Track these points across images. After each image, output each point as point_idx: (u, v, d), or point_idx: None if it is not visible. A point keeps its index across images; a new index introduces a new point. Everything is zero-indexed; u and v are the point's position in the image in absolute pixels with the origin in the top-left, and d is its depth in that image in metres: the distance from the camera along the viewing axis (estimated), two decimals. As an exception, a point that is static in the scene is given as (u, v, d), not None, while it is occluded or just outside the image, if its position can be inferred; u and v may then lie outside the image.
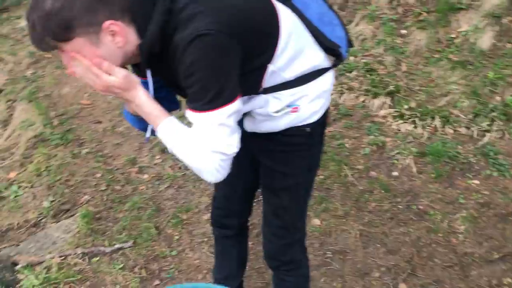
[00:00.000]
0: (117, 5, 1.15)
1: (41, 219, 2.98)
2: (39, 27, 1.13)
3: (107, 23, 1.14)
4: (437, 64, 3.77)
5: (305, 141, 1.53)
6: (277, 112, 1.42)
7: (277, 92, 1.40)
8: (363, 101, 3.58)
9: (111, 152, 3.55)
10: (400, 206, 2.83)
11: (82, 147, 3.59)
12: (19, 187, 3.24)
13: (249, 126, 1.51)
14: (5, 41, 5.07)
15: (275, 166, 1.58)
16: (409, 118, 3.36)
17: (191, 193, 3.06)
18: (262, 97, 1.40)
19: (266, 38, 1.30)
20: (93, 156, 3.48)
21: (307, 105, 1.44)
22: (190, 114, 1.25)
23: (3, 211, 3.10)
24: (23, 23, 5.40)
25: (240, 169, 1.72)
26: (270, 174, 1.61)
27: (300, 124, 1.48)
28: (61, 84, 4.37)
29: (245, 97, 1.39)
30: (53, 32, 1.13)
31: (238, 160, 1.70)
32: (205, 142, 1.25)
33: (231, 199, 1.86)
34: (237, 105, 1.24)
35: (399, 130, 3.34)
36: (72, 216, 2.93)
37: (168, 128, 1.28)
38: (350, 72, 3.78)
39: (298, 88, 1.41)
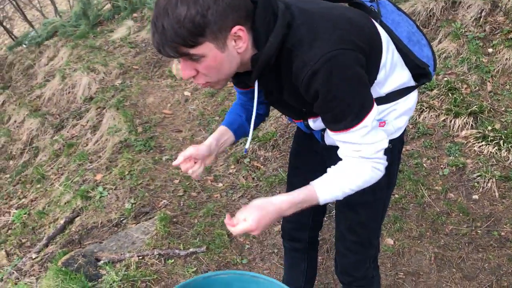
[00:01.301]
0: (244, 11, 1.17)
1: (123, 219, 3.17)
2: (171, 33, 1.11)
3: (235, 28, 1.16)
4: (526, 84, 3.58)
5: (388, 157, 1.54)
6: None
7: None
8: (444, 121, 3.47)
9: (189, 160, 3.70)
10: (479, 231, 2.70)
11: (162, 154, 3.78)
12: (104, 188, 3.47)
13: (331, 139, 1.52)
14: (99, 52, 5.47)
15: None
16: (493, 140, 3.21)
17: (263, 204, 3.11)
18: None
19: (376, 53, 1.32)
20: (172, 163, 3.65)
21: (393, 121, 1.46)
22: (338, 135, 1.29)
23: (89, 210, 3.34)
24: (115, 36, 5.80)
25: (312, 178, 1.75)
26: None
27: None
28: (146, 94, 4.63)
29: None
30: (184, 38, 1.11)
31: (310, 174, 1.73)
32: (364, 151, 1.29)
33: (303, 212, 1.87)
34: (376, 106, 1.28)
35: (482, 152, 3.20)
36: (150, 218, 3.08)
37: (324, 189, 1.33)
38: (431, 90, 3.68)
39: (390, 104, 1.43)
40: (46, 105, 5.10)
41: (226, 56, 1.19)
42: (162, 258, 2.72)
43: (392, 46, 1.40)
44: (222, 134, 1.55)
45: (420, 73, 1.49)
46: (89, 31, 6.09)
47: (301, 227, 1.92)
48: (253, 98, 1.42)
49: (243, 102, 1.62)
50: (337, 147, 1.54)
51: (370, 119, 1.25)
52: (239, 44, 1.19)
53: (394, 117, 1.46)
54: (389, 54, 1.37)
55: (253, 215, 1.24)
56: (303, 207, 1.33)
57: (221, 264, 2.69)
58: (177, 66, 4.88)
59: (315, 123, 1.47)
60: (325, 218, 2.03)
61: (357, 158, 1.31)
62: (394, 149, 1.53)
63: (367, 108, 1.25)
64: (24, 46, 6.66)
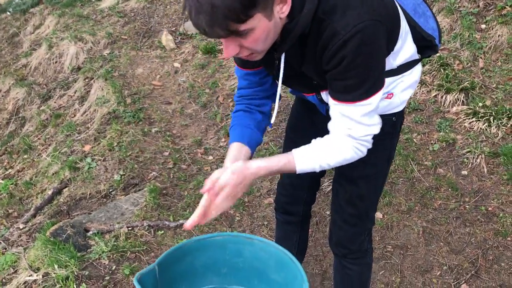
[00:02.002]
0: None
1: (112, 191, 3.15)
2: (222, 10, 1.02)
3: None
4: (517, 61, 3.58)
5: (390, 130, 1.53)
6: None
7: None
8: (435, 96, 3.47)
9: (179, 133, 3.68)
10: (467, 206, 2.74)
11: (152, 126, 3.74)
12: (93, 159, 3.43)
13: None
14: (86, 21, 5.34)
15: None
16: (483, 116, 3.22)
17: (253, 177, 3.11)
18: None
19: (396, 23, 1.31)
20: (162, 135, 3.62)
21: (400, 93, 1.46)
22: (340, 106, 1.26)
23: (77, 181, 3.30)
24: (103, 5, 5.66)
25: None
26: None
27: (388, 113, 1.49)
28: (135, 64, 4.55)
29: None
30: (237, 14, 1.04)
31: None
32: (355, 130, 1.28)
33: (298, 187, 1.86)
34: (383, 90, 1.28)
35: (472, 128, 3.21)
36: (140, 190, 3.07)
37: (303, 160, 1.31)
38: (423, 66, 3.67)
39: (398, 76, 1.42)
40: (33, 74, 4.99)
41: (272, 24, 1.14)
42: (152, 229, 2.71)
43: (403, 17, 1.38)
44: (238, 151, 1.42)
45: (426, 45, 1.48)
46: (76, -1, 5.93)
47: (295, 201, 1.91)
48: (263, 78, 1.41)
49: (247, 101, 1.53)
50: None
51: (376, 99, 1.25)
52: (283, 8, 1.14)
53: (401, 90, 1.45)
54: (403, 24, 1.35)
55: (232, 181, 1.23)
56: (279, 173, 1.32)
57: (211, 236, 2.69)
58: (166, 37, 4.79)
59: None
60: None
61: (345, 136, 1.30)
62: (397, 123, 1.54)
63: (378, 86, 1.25)
64: (9, 13, 6.47)
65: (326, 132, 1.52)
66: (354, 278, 1.81)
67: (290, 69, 1.34)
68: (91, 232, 2.70)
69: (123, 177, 3.20)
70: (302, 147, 1.34)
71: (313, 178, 1.87)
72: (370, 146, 1.34)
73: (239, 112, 1.54)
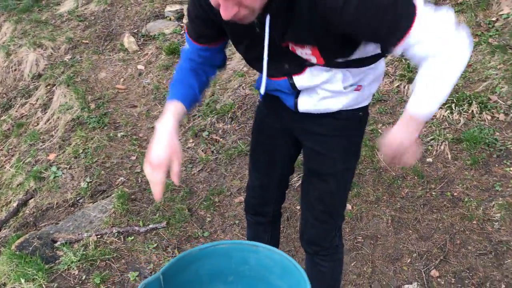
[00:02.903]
0: None
1: (79, 199, 3.09)
2: None
3: None
4: (475, 48, 3.66)
5: (358, 126, 1.55)
6: (345, 88, 1.42)
7: (349, 68, 1.40)
8: (398, 86, 3.52)
9: (145, 136, 3.63)
10: (433, 193, 2.79)
11: (117, 130, 3.68)
12: (58, 168, 3.36)
13: (306, 105, 1.48)
14: (45, 27, 5.21)
15: (325, 151, 1.55)
16: (445, 103, 3.28)
17: (223, 177, 3.10)
18: (336, 71, 1.39)
19: None
20: (128, 139, 3.57)
21: (367, 86, 1.46)
22: (407, 43, 1.18)
23: (43, 191, 3.23)
24: (62, 9, 5.54)
25: (278, 158, 1.73)
26: (318, 159, 1.59)
27: (355, 107, 1.49)
28: (98, 69, 4.47)
29: (322, 69, 1.37)
30: None
31: (275, 149, 1.70)
32: (447, 28, 1.18)
33: (267, 188, 1.84)
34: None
35: (435, 116, 3.27)
36: (108, 196, 3.02)
37: (423, 104, 1.23)
38: (385, 57, 3.72)
39: (367, 68, 1.41)
40: (-8, 84, 4.85)
41: None
42: (122, 236, 2.67)
43: None
44: (180, 114, 1.37)
45: None
46: (33, 4, 5.77)
47: (266, 203, 1.90)
48: (218, 53, 1.37)
49: (196, 65, 1.48)
50: (310, 117, 1.51)
51: (421, 4, 1.17)
52: None
53: (369, 82, 1.46)
54: None
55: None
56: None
57: (182, 238, 2.67)
58: (129, 39, 4.72)
59: (301, 80, 1.42)
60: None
61: (449, 38, 1.18)
62: (364, 118, 1.54)
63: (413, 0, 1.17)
64: (-36, 22, 6.26)
65: (296, 130, 1.51)
66: (326, 275, 1.82)
67: (270, 43, 1.30)
68: (59, 243, 2.64)
69: (90, 184, 3.15)
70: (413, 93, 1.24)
71: (282, 178, 1.86)
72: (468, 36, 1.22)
73: (185, 69, 1.48)
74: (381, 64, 1.49)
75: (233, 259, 1.35)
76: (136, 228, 2.70)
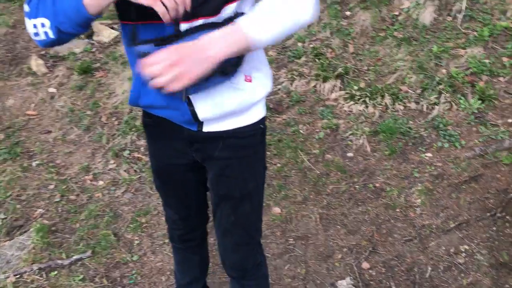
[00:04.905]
0: None
1: (-6, 238, 2.87)
2: None
3: None
4: (383, 42, 3.82)
5: (261, 140, 1.50)
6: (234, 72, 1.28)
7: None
8: (314, 86, 3.59)
9: (63, 162, 3.45)
10: (357, 186, 2.86)
11: (32, 159, 3.46)
12: (-32, 207, 3.10)
13: (207, 110, 1.34)
14: None
15: (234, 174, 1.48)
16: (360, 98, 3.39)
17: (148, 196, 3.00)
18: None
19: None
20: (44, 168, 3.37)
21: (257, 82, 1.37)
22: None
23: (-48, 235, 2.96)
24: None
25: (189, 189, 1.66)
26: (227, 183, 1.50)
27: (255, 121, 1.43)
28: (5, 96, 4.19)
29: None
30: None
31: (184, 182, 1.63)
32: None
33: (188, 218, 1.77)
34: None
35: (351, 111, 3.37)
36: (26, 232, 2.82)
37: (254, 24, 1.15)
38: (299, 58, 3.78)
39: (257, 56, 1.35)
40: None
41: None
42: (44, 272, 2.50)
43: None
44: None
45: None
46: None
47: (190, 230, 1.83)
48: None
49: None
50: (217, 140, 1.43)
51: None
52: None
53: (259, 79, 1.37)
54: None
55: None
56: (230, 44, 1.12)
57: (110, 265, 2.55)
58: (36, 61, 4.48)
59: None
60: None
61: None
62: (264, 130, 1.50)
63: None
64: None
65: (205, 159, 1.43)
66: None
67: None
68: (-27, 289, 2.43)
69: (4, 221, 2.93)
70: (250, 13, 1.16)
71: (200, 204, 1.77)
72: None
73: None
74: (268, 72, 1.43)
75: None
76: (59, 261, 2.54)
